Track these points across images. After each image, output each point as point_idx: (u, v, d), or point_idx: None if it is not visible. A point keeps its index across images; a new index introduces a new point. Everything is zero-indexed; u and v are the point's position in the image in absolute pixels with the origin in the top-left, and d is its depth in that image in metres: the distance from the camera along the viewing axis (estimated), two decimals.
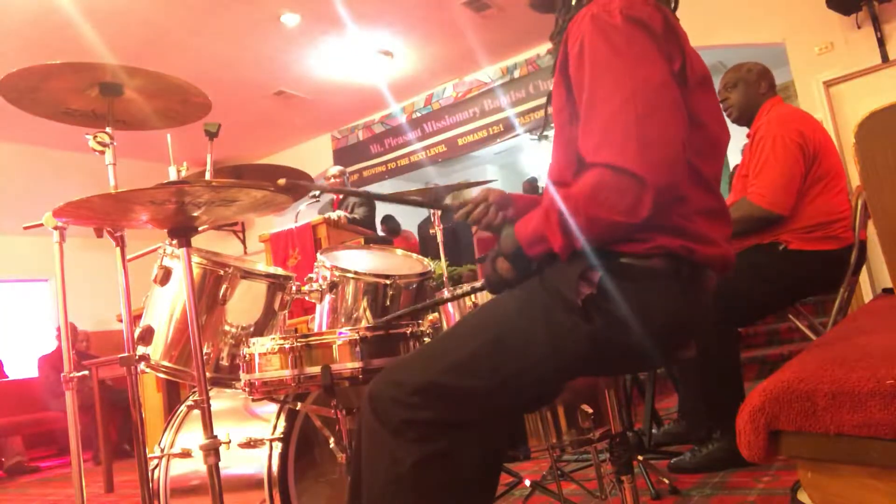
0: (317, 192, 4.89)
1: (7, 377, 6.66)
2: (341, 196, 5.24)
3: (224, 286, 1.77)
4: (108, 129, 1.75)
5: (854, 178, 3.74)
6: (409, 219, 8.25)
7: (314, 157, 8.37)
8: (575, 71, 1.07)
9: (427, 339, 1.51)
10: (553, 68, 1.18)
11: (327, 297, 1.84)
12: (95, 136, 1.71)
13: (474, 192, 1.33)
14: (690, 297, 1.08)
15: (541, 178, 9.12)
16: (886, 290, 2.24)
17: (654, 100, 0.99)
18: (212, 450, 1.44)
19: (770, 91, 2.43)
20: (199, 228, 1.58)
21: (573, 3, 1.18)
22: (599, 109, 1.01)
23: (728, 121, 2.46)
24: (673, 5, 1.20)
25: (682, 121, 1.01)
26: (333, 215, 4.25)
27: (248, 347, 1.49)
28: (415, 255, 2.12)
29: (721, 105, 2.50)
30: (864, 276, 4.57)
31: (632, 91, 0.99)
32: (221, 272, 1.78)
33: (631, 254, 1.03)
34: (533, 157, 10.02)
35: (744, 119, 2.45)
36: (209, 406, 1.47)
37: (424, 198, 2.46)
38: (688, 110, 1.06)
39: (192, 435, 1.78)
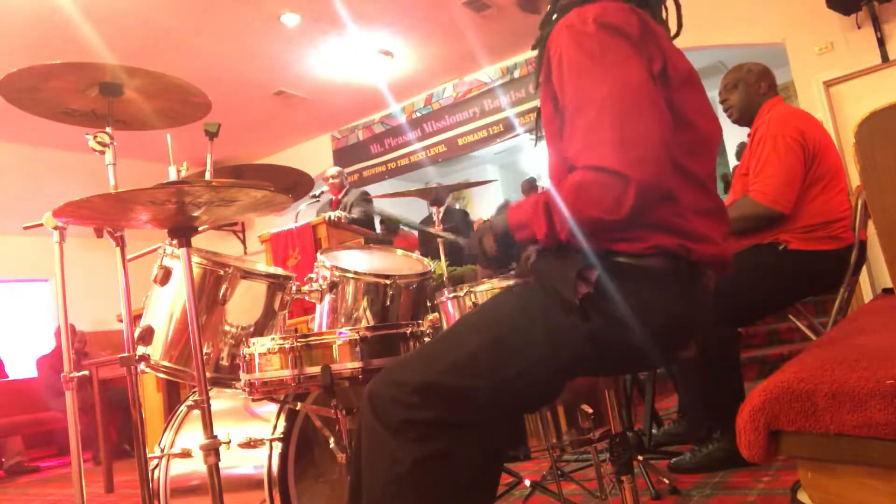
0: (316, 193, 4.91)
1: (7, 377, 6.66)
2: (339, 196, 5.25)
3: (224, 286, 1.77)
4: (108, 129, 1.75)
5: (854, 178, 3.74)
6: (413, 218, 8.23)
7: (314, 157, 8.37)
8: (557, 82, 1.09)
9: (427, 339, 1.51)
10: (537, 79, 1.20)
11: (327, 297, 1.84)
12: (95, 136, 1.71)
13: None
14: (689, 296, 1.08)
15: (541, 178, 9.11)
16: (886, 290, 2.24)
17: (632, 101, 1.00)
18: (212, 450, 1.44)
19: (770, 91, 2.42)
20: (199, 228, 1.58)
21: (553, 17, 1.20)
22: (580, 116, 1.03)
23: (729, 120, 2.47)
24: (677, 28, 1.21)
25: (663, 120, 1.01)
26: (333, 215, 4.25)
27: (248, 347, 1.49)
28: (415, 254, 2.12)
29: (722, 106, 2.51)
30: (864, 276, 4.57)
31: (609, 95, 1.00)
32: (221, 272, 1.78)
33: (628, 253, 1.04)
34: (533, 157, 10.02)
35: (744, 120, 2.45)
36: (209, 406, 1.47)
37: (426, 198, 2.46)
38: (674, 109, 1.07)
39: (192, 435, 1.78)
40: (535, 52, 1.25)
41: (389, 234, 6.51)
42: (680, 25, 1.23)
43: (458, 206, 7.85)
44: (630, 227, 1.01)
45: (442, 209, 2.45)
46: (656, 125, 1.00)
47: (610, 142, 0.98)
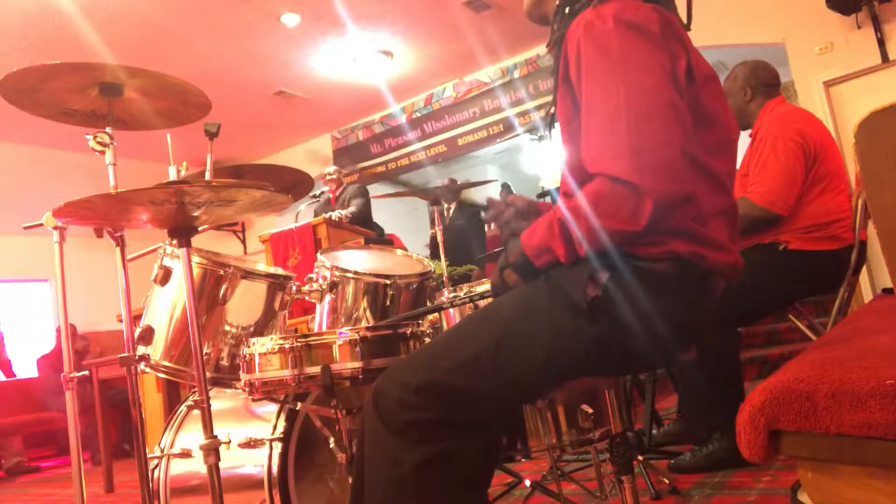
0: (317, 192, 4.91)
1: (15, 376, 6.67)
2: (337, 193, 5.25)
3: (224, 286, 1.77)
4: (108, 129, 1.75)
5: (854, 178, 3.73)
6: (415, 220, 8.24)
7: (314, 157, 8.36)
8: (575, 80, 1.07)
9: (427, 340, 1.51)
10: (555, 80, 1.17)
11: (327, 297, 1.84)
12: (95, 136, 1.72)
13: (499, 196, 1.31)
14: (697, 303, 1.07)
15: (541, 178, 9.09)
16: (886, 290, 2.24)
17: (648, 105, 0.97)
18: (212, 450, 1.44)
19: (760, 94, 2.41)
20: (199, 228, 1.58)
21: (566, 12, 1.17)
22: (594, 118, 1.01)
23: None
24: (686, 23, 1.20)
25: (681, 123, 0.99)
26: (334, 215, 4.25)
27: (248, 347, 1.49)
28: (415, 254, 2.12)
29: None
30: (864, 276, 4.57)
31: (624, 97, 0.98)
32: (221, 272, 1.78)
33: (641, 257, 1.03)
34: (533, 157, 10.01)
35: (740, 127, 2.46)
36: (209, 406, 1.47)
37: (427, 198, 2.46)
38: (700, 106, 1.06)
39: (192, 435, 1.78)
40: (535, 52, 1.24)
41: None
42: (690, 19, 1.21)
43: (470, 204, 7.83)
44: (648, 232, 0.99)
45: (453, 206, 2.45)
46: (673, 130, 0.97)
47: (623, 147, 0.96)
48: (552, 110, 1.21)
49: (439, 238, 2.63)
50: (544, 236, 1.05)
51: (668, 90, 0.99)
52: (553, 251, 1.04)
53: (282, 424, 1.66)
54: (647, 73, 0.99)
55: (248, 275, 1.82)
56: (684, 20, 1.21)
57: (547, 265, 1.07)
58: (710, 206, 1.06)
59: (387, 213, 7.30)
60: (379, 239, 5.01)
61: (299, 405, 1.67)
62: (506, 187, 8.12)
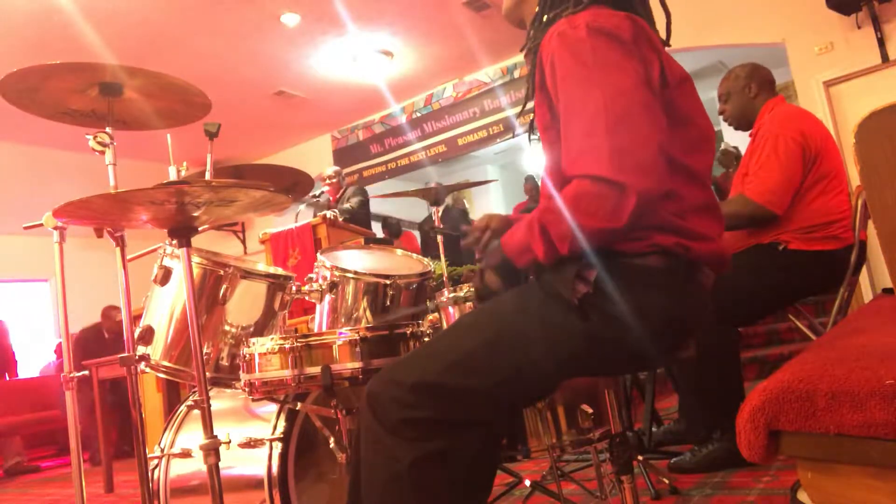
0: (317, 192, 4.91)
1: (17, 376, 6.66)
2: (337, 196, 5.25)
3: (224, 286, 1.77)
4: (108, 129, 1.75)
5: (854, 178, 3.74)
6: (413, 218, 8.24)
7: (314, 157, 8.37)
8: (551, 89, 1.09)
9: (427, 339, 1.51)
10: (531, 87, 1.19)
11: (327, 297, 1.84)
12: (95, 136, 1.72)
13: (479, 218, 1.35)
14: (687, 294, 1.08)
15: (539, 177, 9.07)
16: (886, 290, 2.24)
17: (624, 106, 0.99)
18: (212, 450, 1.44)
19: (763, 90, 2.42)
20: (199, 228, 1.58)
21: (543, 20, 1.20)
22: (573, 123, 1.03)
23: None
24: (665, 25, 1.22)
25: (656, 123, 1.01)
26: (328, 213, 4.24)
27: (248, 347, 1.49)
28: (415, 254, 2.12)
29: (721, 116, 2.53)
30: (864, 276, 4.57)
31: (601, 100, 1.00)
32: (221, 272, 1.78)
33: (627, 252, 1.04)
34: (533, 157, 10.01)
35: (743, 125, 2.47)
36: (209, 406, 1.47)
37: (427, 198, 2.46)
38: (675, 108, 1.08)
39: (192, 435, 1.78)
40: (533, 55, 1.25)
41: (391, 237, 6.50)
42: (668, 34, 1.23)
43: (458, 207, 7.81)
44: (631, 229, 1.01)
45: (440, 209, 2.45)
46: (650, 130, 1.00)
47: (604, 149, 0.98)
48: (533, 117, 1.23)
49: (439, 238, 2.63)
50: (524, 237, 1.07)
51: (642, 92, 1.02)
52: (533, 250, 1.05)
53: (282, 424, 1.66)
54: (622, 77, 1.02)
55: (248, 275, 1.82)
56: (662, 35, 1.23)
57: (527, 265, 1.08)
58: (690, 202, 1.08)
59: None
60: (379, 239, 5.01)
61: (299, 405, 1.67)
62: (530, 180, 8.06)
